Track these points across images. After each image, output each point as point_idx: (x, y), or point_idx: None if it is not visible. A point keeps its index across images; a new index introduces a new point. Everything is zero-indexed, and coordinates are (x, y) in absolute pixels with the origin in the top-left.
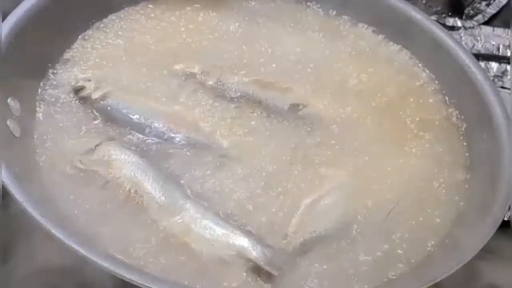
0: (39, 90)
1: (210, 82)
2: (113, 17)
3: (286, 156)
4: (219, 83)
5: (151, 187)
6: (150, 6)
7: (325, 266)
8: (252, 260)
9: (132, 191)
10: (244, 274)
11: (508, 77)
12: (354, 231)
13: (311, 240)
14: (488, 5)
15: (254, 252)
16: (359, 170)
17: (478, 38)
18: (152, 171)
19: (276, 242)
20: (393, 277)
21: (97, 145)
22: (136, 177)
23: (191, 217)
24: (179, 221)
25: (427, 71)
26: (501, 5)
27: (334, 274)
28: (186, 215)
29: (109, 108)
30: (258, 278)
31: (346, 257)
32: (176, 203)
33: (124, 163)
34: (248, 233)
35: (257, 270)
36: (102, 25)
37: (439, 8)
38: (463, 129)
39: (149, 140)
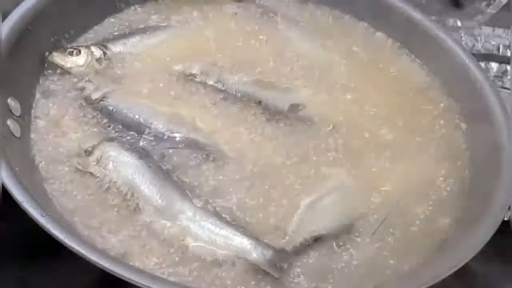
0: (39, 90)
1: (210, 82)
2: (114, 18)
3: (286, 156)
4: (219, 83)
5: (148, 190)
6: (151, 6)
7: (325, 265)
8: (252, 261)
9: (128, 194)
10: (244, 275)
11: (508, 77)
12: (354, 231)
13: (311, 239)
14: (488, 5)
15: (254, 253)
16: (359, 170)
17: (478, 38)
18: (149, 173)
19: (275, 241)
20: (393, 276)
21: (95, 145)
22: (133, 179)
23: (190, 218)
24: (178, 223)
25: (427, 71)
26: (501, 5)
27: (334, 273)
28: (184, 217)
29: (109, 108)
30: (258, 279)
31: (346, 256)
32: (174, 205)
33: (122, 165)
34: (248, 234)
35: (257, 271)
36: (102, 26)
37: (439, 8)
38: (463, 129)
39: (149, 141)
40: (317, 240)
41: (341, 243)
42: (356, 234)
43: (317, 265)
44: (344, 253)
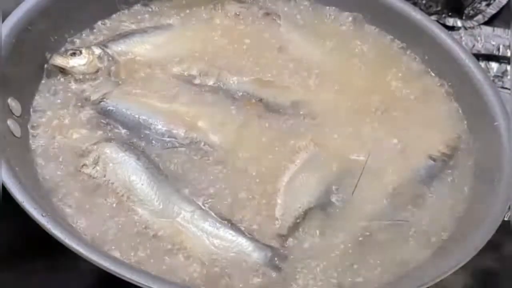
0: (39, 90)
1: (210, 83)
2: (114, 19)
3: (287, 154)
4: (218, 83)
5: (146, 191)
6: (149, 7)
7: (318, 237)
8: (251, 261)
9: (126, 195)
10: (244, 275)
11: (508, 77)
12: (334, 197)
13: (300, 216)
14: (488, 5)
15: (253, 253)
16: None
17: (478, 38)
18: (148, 174)
19: (270, 229)
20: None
21: (94, 146)
22: (131, 181)
23: (188, 220)
24: (175, 224)
25: (427, 71)
26: (501, 5)
27: (328, 243)
28: (182, 219)
29: (108, 109)
30: (258, 279)
31: (336, 223)
32: (172, 207)
33: (119, 166)
34: (247, 236)
35: (257, 270)
36: (102, 26)
37: (439, 8)
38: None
39: (148, 141)
40: (305, 214)
41: (327, 212)
42: (336, 199)
43: (312, 238)
44: (333, 219)
